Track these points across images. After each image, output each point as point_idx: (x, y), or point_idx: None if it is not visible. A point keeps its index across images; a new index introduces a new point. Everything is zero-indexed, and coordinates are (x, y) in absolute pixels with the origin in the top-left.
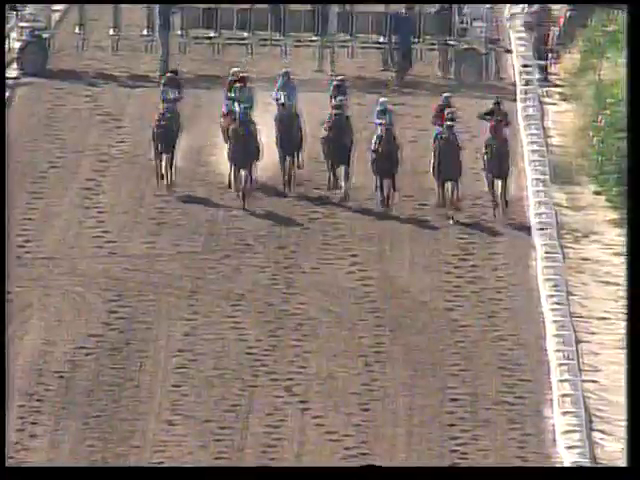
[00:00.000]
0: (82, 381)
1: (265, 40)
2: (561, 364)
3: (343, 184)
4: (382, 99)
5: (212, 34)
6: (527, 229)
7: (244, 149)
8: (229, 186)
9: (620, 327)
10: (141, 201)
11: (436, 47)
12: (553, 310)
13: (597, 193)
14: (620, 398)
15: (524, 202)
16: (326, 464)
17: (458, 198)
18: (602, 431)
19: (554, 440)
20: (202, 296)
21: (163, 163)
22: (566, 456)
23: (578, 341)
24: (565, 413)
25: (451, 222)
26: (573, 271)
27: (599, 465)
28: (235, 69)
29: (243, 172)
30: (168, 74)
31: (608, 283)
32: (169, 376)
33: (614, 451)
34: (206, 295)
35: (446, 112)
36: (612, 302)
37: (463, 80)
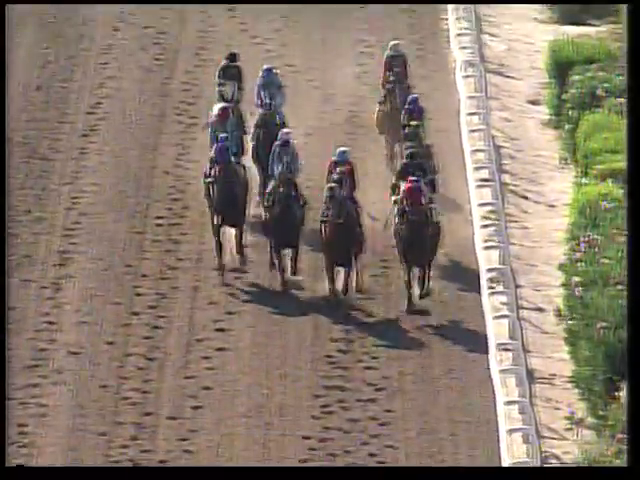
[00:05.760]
0: None
1: None
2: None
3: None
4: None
5: None
6: None
7: (232, 199)
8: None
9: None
10: None
11: None
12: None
13: None
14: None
15: None
16: None
17: (360, 281)
18: (490, 34)
19: (454, 75)
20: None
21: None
22: (459, 55)
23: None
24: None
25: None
26: None
27: (598, 464)
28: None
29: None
30: (224, 61)
31: None
32: None
33: (500, 51)
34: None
35: (335, 173)
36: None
37: None
